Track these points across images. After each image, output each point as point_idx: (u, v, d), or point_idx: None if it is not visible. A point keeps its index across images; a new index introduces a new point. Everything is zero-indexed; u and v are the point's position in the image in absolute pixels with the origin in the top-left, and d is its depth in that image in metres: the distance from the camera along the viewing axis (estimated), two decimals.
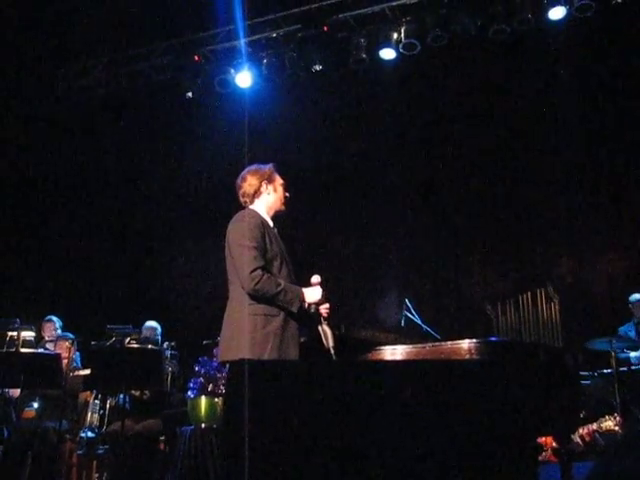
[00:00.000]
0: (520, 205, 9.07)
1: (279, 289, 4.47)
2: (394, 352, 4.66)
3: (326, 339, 4.42)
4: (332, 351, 4.34)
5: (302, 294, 4.58)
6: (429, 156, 9.60)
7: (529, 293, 6.93)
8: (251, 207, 4.84)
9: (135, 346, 6.87)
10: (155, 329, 7.55)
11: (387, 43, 9.32)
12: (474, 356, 4.38)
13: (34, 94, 10.37)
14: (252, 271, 4.44)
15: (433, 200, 9.39)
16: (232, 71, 10.04)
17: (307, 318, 4.61)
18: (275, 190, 4.88)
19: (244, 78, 10.04)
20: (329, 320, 4.54)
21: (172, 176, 10.52)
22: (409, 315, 6.23)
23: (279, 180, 4.93)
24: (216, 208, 9.46)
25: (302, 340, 4.62)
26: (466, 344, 4.41)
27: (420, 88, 9.56)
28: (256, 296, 4.47)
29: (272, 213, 4.89)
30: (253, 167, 4.92)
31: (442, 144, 9.56)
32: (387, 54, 9.46)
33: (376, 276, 8.89)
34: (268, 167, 4.92)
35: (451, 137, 9.56)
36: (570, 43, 8.63)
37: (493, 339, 4.66)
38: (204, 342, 6.90)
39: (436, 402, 3.17)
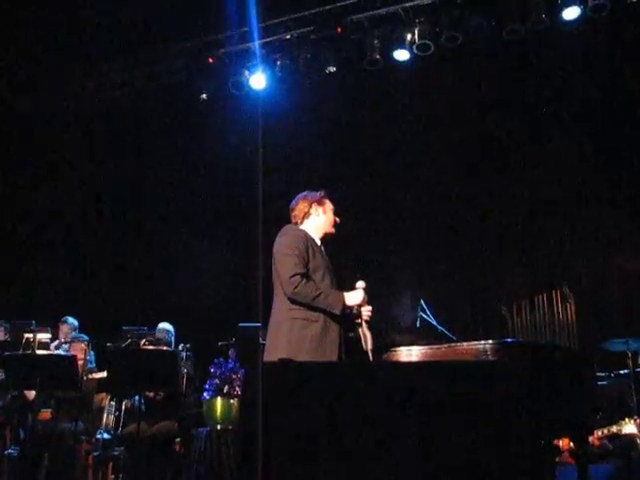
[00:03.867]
0: (535, 204, 9.02)
1: (318, 292, 4.69)
2: (409, 353, 4.66)
3: (366, 342, 4.67)
4: (370, 353, 4.59)
5: (343, 297, 4.78)
6: (443, 156, 9.56)
7: (544, 294, 6.89)
8: (301, 227, 5.14)
9: (151, 348, 6.88)
10: (169, 331, 7.55)
11: (401, 44, 9.31)
12: (490, 357, 4.37)
13: (49, 96, 10.40)
14: (292, 276, 4.69)
15: (447, 200, 9.34)
16: (246, 73, 10.04)
17: (348, 321, 4.82)
18: (324, 212, 5.17)
19: (258, 80, 10.04)
20: (369, 323, 4.76)
21: (187, 177, 10.54)
22: (424, 316, 6.22)
23: (329, 205, 5.22)
24: (232, 209, 9.49)
25: (350, 335, 4.86)
26: (482, 345, 4.42)
27: (434, 89, 9.53)
28: (296, 300, 4.69)
29: (321, 234, 5.15)
30: (305, 193, 5.23)
31: (457, 144, 9.52)
32: (401, 55, 9.44)
33: (390, 277, 8.86)
34: (319, 193, 5.22)
35: (466, 137, 9.52)
36: (584, 43, 8.57)
37: (509, 340, 4.66)
38: (220, 343, 6.92)
39: (453, 403, 3.15)
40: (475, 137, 9.47)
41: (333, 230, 5.20)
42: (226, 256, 9.32)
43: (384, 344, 4.95)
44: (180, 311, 8.66)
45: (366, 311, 4.84)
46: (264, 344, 4.90)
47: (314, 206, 5.15)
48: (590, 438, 6.55)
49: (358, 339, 4.75)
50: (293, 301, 4.74)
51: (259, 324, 6.47)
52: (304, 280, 4.71)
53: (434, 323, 6.17)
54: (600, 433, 6.72)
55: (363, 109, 10.01)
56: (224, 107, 10.05)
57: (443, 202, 9.35)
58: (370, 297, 4.93)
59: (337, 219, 5.24)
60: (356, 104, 10.02)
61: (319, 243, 5.10)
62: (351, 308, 4.82)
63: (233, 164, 9.72)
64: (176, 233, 10.40)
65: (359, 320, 4.81)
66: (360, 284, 4.92)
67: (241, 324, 7.15)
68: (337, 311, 4.73)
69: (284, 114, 9.63)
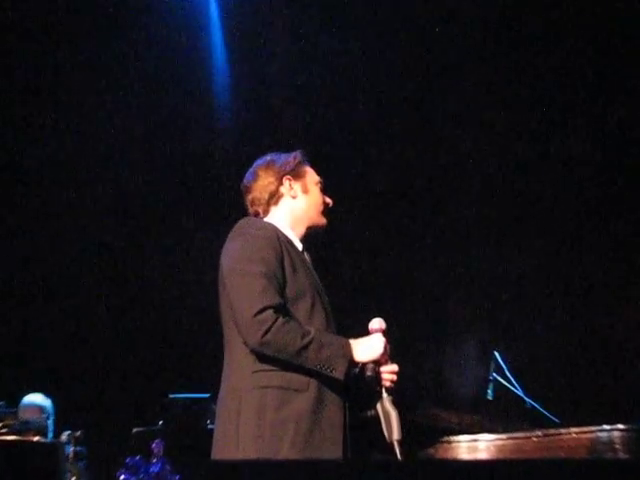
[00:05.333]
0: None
1: (307, 340, 2.90)
2: (474, 446, 3.32)
3: (389, 425, 2.97)
4: (397, 446, 2.91)
5: (350, 349, 2.98)
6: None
7: None
8: (265, 219, 3.23)
9: (10, 439, 4.47)
10: (41, 408, 5.02)
11: None
12: (620, 452, 3.18)
13: None
14: (259, 312, 2.87)
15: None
16: None
17: (360, 391, 3.07)
18: (306, 191, 3.27)
19: None
20: (395, 393, 3.01)
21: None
22: (499, 379, 3.97)
23: (312, 176, 3.31)
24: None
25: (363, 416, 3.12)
26: (606, 432, 3.21)
27: None
28: (266, 355, 2.92)
29: (302, 229, 3.25)
30: (267, 158, 3.31)
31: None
32: None
33: (435, 309, 6.08)
34: (293, 156, 3.30)
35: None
36: None
37: None
38: (134, 430, 4.59)
39: None
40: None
41: (323, 221, 3.28)
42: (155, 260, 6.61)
43: (424, 429, 3.34)
44: (59, 367, 5.97)
45: (389, 372, 3.02)
46: (212, 430, 3.15)
47: (287, 182, 3.23)
48: None
49: (376, 421, 2.98)
50: (262, 357, 2.92)
51: (205, 394, 4.55)
52: (281, 319, 2.89)
53: (518, 392, 3.89)
54: None
55: None
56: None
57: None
58: (397, 347, 2.93)
59: (329, 200, 3.31)
60: None
61: (300, 247, 3.20)
62: (364, 367, 2.98)
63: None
64: None
65: (378, 388, 3.02)
66: (377, 324, 3.04)
67: (172, 394, 4.77)
68: (339, 374, 2.91)
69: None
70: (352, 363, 2.95)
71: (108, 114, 6.42)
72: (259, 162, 3.29)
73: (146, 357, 6.13)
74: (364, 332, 3.04)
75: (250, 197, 3.24)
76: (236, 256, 3.05)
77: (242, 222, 3.15)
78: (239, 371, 2.98)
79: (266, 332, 2.83)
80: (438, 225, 6.29)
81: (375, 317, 3.05)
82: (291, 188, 3.21)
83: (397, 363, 3.03)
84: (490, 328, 5.65)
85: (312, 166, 3.31)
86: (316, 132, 6.23)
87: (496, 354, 4.10)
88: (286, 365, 2.91)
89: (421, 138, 6.32)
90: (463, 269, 6.14)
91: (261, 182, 3.24)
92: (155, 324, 6.25)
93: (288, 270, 3.04)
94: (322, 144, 6.05)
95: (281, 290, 2.98)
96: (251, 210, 3.26)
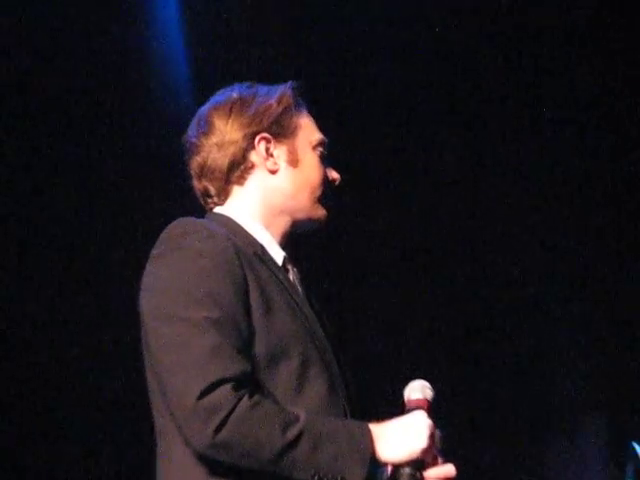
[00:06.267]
0: None
1: (293, 434, 1.62)
2: None
3: None
4: None
5: (370, 441, 1.68)
6: None
7: None
8: (219, 211, 1.93)
9: None
10: None
11: None
12: None
13: None
14: (206, 391, 1.60)
15: None
16: None
17: None
18: (295, 160, 1.93)
19: None
20: None
21: None
22: None
23: (309, 132, 1.96)
24: None
25: None
26: None
27: None
28: (222, 459, 1.64)
29: (285, 226, 1.94)
30: (232, 94, 1.94)
31: None
32: None
33: (540, 383, 4.10)
34: (278, 95, 1.93)
35: None
36: None
37: None
38: None
39: None
40: None
41: (322, 212, 1.94)
42: None
43: None
44: None
45: (439, 476, 1.70)
46: None
47: (262, 141, 1.88)
48: None
49: None
50: (217, 464, 1.63)
51: None
52: (244, 398, 1.61)
53: None
54: None
55: None
56: None
57: None
58: (461, 431, 2.07)
59: (335, 175, 1.97)
60: None
61: (280, 259, 1.88)
62: (396, 472, 1.67)
63: None
64: None
65: None
66: (418, 392, 1.75)
67: None
68: None
69: None
70: (374, 465, 1.71)
71: None
72: (217, 98, 1.95)
73: None
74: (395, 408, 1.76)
75: (196, 165, 1.91)
76: (164, 292, 1.76)
77: (173, 227, 1.81)
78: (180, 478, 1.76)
79: (220, 426, 1.62)
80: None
81: (415, 379, 1.78)
82: (269, 155, 1.91)
83: (453, 462, 1.75)
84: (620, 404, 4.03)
85: (312, 113, 1.99)
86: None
87: (635, 446, 2.85)
88: (260, 477, 1.69)
89: None
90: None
91: (217, 139, 1.89)
92: None
93: (258, 309, 1.76)
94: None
95: (246, 348, 1.72)
96: (197, 189, 1.95)
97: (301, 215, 1.90)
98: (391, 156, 3.99)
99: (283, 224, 1.90)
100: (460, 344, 3.86)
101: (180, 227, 1.76)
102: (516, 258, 3.96)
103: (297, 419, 1.61)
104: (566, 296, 3.97)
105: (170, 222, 1.78)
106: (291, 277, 1.86)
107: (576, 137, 4.11)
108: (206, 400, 1.57)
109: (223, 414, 1.57)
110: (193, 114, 1.93)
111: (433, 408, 1.70)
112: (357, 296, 3.89)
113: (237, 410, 1.57)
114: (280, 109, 1.88)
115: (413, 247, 3.92)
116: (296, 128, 1.90)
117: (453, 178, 4.05)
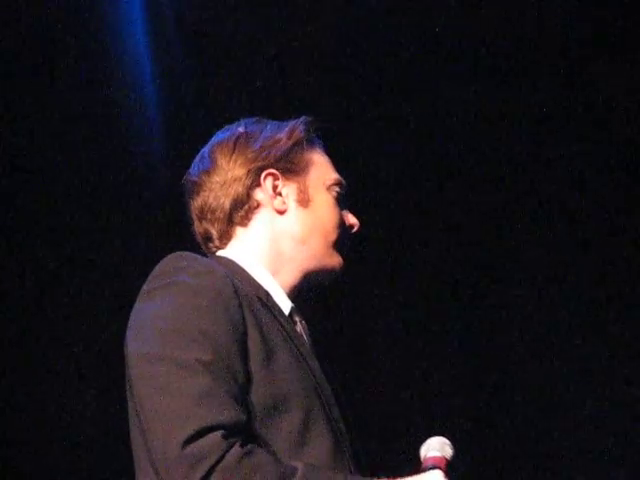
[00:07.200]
0: None
1: None
2: None
3: None
4: None
5: None
6: None
7: None
8: (221, 254, 1.73)
9: None
10: None
11: None
12: None
13: None
14: (191, 438, 1.38)
15: None
16: None
17: None
18: (306, 200, 1.73)
19: None
20: None
21: None
22: None
23: (324, 170, 1.77)
24: None
25: None
26: None
27: None
28: None
29: (295, 275, 1.72)
30: (238, 130, 1.76)
31: None
32: None
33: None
34: (289, 129, 1.75)
35: None
36: None
37: None
38: None
39: None
40: None
41: (338, 261, 1.74)
42: None
43: None
44: None
45: None
46: None
47: (269, 177, 1.71)
48: None
49: None
50: None
51: None
52: (234, 447, 1.39)
53: None
54: None
55: None
56: None
57: None
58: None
59: (353, 220, 1.77)
60: None
61: (287, 308, 1.67)
62: None
63: None
64: None
65: None
66: (436, 450, 1.53)
67: None
68: None
69: None
70: None
71: None
72: (222, 134, 1.79)
73: None
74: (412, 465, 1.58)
75: (197, 207, 1.76)
76: (152, 329, 1.58)
77: (166, 262, 1.65)
78: None
79: (205, 477, 1.43)
80: None
81: (434, 436, 1.62)
82: (276, 193, 1.75)
83: None
84: None
85: (327, 150, 1.82)
86: None
87: None
88: None
89: None
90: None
91: (219, 177, 1.73)
92: None
93: (257, 355, 1.58)
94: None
95: (241, 395, 1.53)
96: (198, 232, 1.78)
97: (313, 264, 1.73)
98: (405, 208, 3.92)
99: (293, 274, 1.72)
100: (474, 399, 3.74)
101: (174, 261, 1.62)
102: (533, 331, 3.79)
103: (294, 472, 1.43)
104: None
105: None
106: (298, 329, 1.69)
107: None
108: (191, 448, 1.40)
109: (209, 463, 1.39)
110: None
111: (452, 467, 1.56)
112: (369, 351, 3.79)
113: (226, 459, 1.40)
114: (290, 143, 1.73)
115: (422, 304, 3.78)
116: (308, 165, 1.75)
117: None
